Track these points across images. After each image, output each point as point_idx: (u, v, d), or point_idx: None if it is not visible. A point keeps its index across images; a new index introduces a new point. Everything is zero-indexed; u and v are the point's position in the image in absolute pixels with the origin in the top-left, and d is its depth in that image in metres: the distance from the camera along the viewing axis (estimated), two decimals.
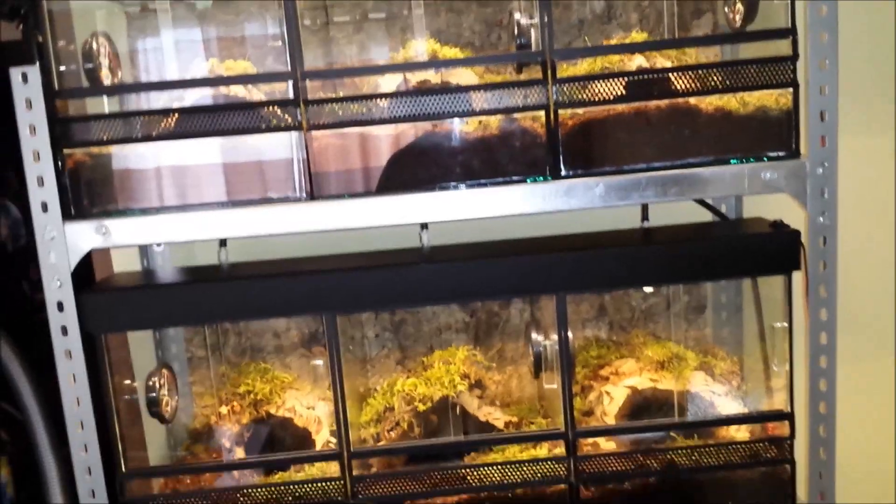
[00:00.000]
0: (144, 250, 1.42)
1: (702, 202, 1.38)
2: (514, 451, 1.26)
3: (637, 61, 1.19)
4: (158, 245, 1.40)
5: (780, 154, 1.14)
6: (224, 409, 1.36)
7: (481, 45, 1.38)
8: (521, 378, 1.50)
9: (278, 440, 1.33)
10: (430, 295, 1.18)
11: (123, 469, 1.18)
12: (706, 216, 1.42)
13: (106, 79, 1.17)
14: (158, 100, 1.14)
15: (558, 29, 1.35)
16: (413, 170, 1.14)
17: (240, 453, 1.32)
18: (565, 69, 1.13)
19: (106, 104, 1.16)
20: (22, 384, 1.43)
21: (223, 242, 1.28)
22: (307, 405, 1.38)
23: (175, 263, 1.44)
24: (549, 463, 1.21)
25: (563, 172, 1.13)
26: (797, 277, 1.17)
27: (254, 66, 1.23)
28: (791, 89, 1.13)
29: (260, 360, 1.48)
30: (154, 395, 1.28)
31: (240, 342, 1.50)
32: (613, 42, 1.30)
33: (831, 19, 1.09)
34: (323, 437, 1.34)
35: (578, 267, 1.16)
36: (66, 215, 1.09)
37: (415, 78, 1.18)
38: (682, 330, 1.50)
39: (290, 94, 1.10)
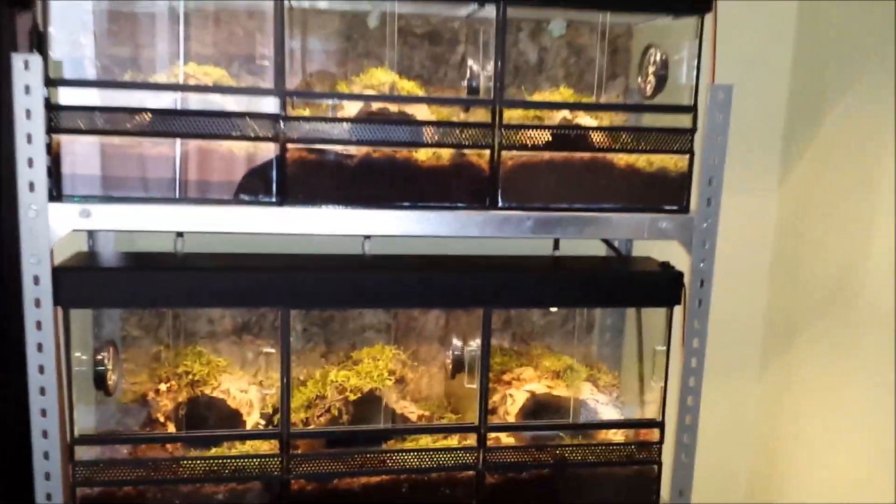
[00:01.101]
0: (91, 233, 1.49)
1: (603, 239, 1.61)
2: (426, 441, 1.44)
3: (561, 114, 1.41)
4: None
5: (674, 208, 1.38)
6: (163, 387, 1.46)
7: (429, 78, 1.56)
8: (431, 377, 1.68)
9: (212, 419, 1.44)
10: (373, 299, 1.34)
11: (75, 435, 1.26)
12: (601, 249, 1.66)
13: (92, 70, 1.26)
14: (144, 98, 1.24)
15: None
16: (371, 187, 1.29)
17: (172, 428, 1.43)
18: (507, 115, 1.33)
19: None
20: None
21: (180, 234, 1.39)
22: (241, 389, 1.50)
23: (117, 247, 1.52)
24: (461, 452, 1.39)
25: (500, 204, 1.32)
26: (677, 310, 1.42)
27: (226, 72, 1.36)
28: (688, 156, 1.37)
29: (193, 343, 1.58)
30: (102, 368, 1.37)
31: (175, 325, 1.59)
32: (546, 94, 1.51)
33: (726, 103, 1.34)
34: (254, 419, 1.46)
35: (505, 286, 1.36)
36: (50, 197, 1.18)
37: (375, 105, 1.35)
38: (572, 345, 1.73)
39: (274, 110, 1.24)
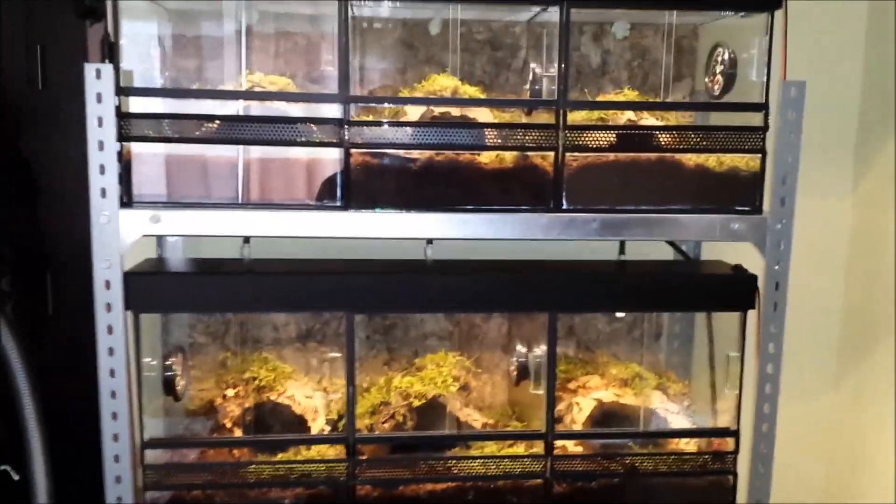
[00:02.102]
0: (159, 239, 1.52)
1: (670, 242, 1.57)
2: (493, 449, 1.42)
3: (627, 115, 1.38)
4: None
5: (746, 209, 1.34)
6: (230, 392, 1.47)
7: (490, 83, 1.55)
8: (494, 385, 1.66)
9: (277, 425, 1.45)
10: (436, 303, 1.34)
11: (144, 438, 1.28)
12: (668, 254, 1.62)
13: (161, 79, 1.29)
14: (212, 106, 1.26)
15: None
16: (434, 191, 1.29)
17: (239, 433, 1.43)
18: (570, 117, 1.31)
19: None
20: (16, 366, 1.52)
21: (247, 239, 1.41)
22: (306, 395, 1.50)
23: (185, 254, 1.54)
24: (528, 459, 1.37)
25: (565, 206, 1.30)
26: (751, 315, 1.37)
27: (290, 81, 1.37)
28: (760, 155, 1.33)
29: (259, 350, 1.59)
30: (171, 374, 1.38)
31: (241, 332, 1.61)
32: (611, 96, 1.49)
33: (799, 99, 1.30)
34: (318, 425, 1.46)
35: (570, 290, 1.34)
36: (121, 203, 1.20)
37: (438, 109, 1.34)
38: (640, 353, 1.69)
39: (338, 115, 1.24)
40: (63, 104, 1.35)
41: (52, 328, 1.44)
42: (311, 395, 1.51)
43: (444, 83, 1.39)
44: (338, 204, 1.27)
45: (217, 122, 1.23)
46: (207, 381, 1.53)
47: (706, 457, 1.42)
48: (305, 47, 1.43)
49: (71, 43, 1.30)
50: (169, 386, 1.39)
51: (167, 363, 1.39)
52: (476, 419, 1.53)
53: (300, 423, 1.45)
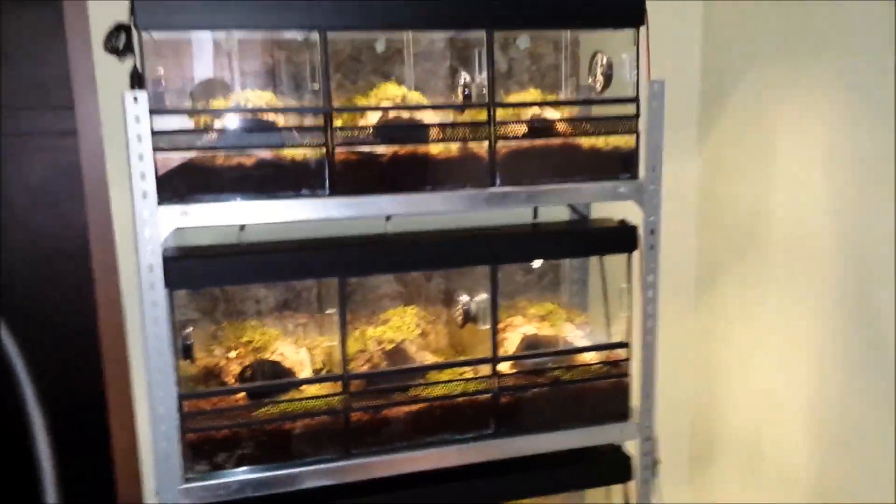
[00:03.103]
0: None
1: (571, 206, 2.03)
2: (450, 377, 1.81)
3: (532, 111, 1.80)
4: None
5: (628, 176, 1.79)
6: (232, 354, 1.79)
7: (423, 87, 1.93)
8: (438, 333, 2.06)
9: (273, 377, 1.78)
10: (407, 264, 1.72)
11: (181, 390, 1.59)
12: (566, 214, 2.07)
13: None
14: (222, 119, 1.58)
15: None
16: (399, 177, 1.66)
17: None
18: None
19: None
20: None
21: (242, 227, 1.73)
22: (293, 352, 1.84)
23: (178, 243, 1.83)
24: (479, 381, 1.78)
25: (498, 184, 1.71)
26: (634, 256, 1.84)
27: (273, 94, 1.70)
28: (635, 136, 1.79)
29: (244, 320, 1.91)
30: (189, 342, 1.69)
31: (227, 307, 1.92)
32: (520, 95, 1.90)
33: (661, 93, 1.75)
34: (306, 374, 1.81)
35: (505, 247, 1.75)
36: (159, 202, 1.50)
37: (391, 113, 1.71)
38: (548, 297, 2.13)
39: (322, 123, 1.59)
40: None
41: None
42: (297, 351, 1.85)
43: (394, 91, 1.77)
44: (326, 192, 1.61)
45: (224, 132, 1.54)
46: (210, 349, 1.83)
47: (608, 366, 1.88)
48: (283, 65, 1.75)
49: None
50: (187, 351, 1.69)
51: (185, 332, 1.69)
52: (430, 359, 1.93)
53: (291, 374, 1.79)
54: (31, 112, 1.96)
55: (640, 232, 1.81)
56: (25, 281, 2.00)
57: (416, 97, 1.77)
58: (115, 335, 1.94)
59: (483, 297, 1.84)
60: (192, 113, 1.58)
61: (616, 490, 2.00)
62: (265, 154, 1.59)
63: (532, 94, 1.89)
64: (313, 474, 1.64)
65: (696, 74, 2.23)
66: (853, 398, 1.76)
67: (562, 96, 1.97)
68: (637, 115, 1.78)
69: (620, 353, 1.89)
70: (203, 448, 1.60)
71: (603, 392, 1.88)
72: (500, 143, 1.70)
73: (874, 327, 1.68)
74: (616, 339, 1.92)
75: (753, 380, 2.10)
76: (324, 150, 1.60)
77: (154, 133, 1.48)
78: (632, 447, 1.91)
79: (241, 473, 1.61)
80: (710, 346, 2.28)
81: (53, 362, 2.02)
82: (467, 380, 1.78)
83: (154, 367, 1.53)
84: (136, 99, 1.45)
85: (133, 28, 1.50)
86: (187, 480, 1.57)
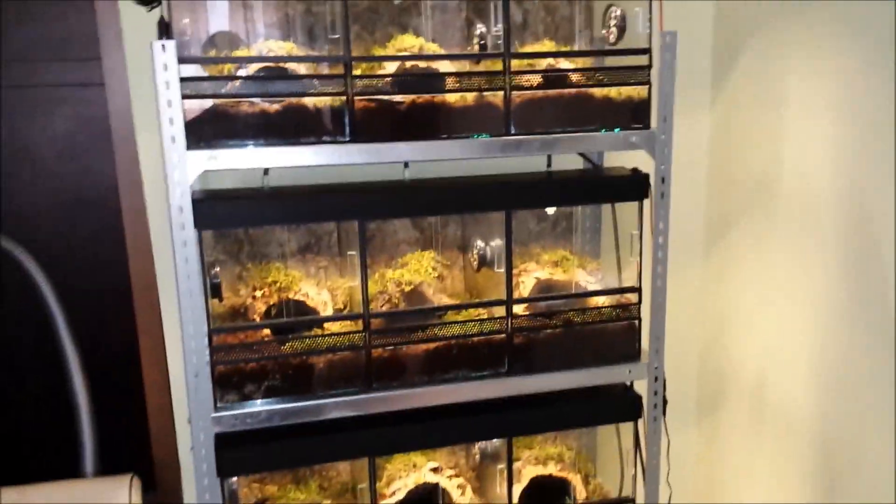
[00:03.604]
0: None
1: (583, 156, 2.08)
2: (465, 318, 1.89)
3: (547, 61, 1.85)
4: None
5: (640, 126, 1.84)
6: (258, 293, 1.88)
7: (440, 39, 1.97)
8: (453, 277, 2.14)
9: (297, 315, 1.86)
10: (425, 208, 1.80)
11: (211, 325, 1.68)
12: (580, 165, 2.13)
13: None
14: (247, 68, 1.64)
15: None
16: (417, 125, 1.72)
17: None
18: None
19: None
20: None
21: (266, 171, 1.80)
22: (316, 293, 1.93)
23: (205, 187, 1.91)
24: (494, 321, 1.86)
25: (513, 132, 1.77)
26: (645, 203, 1.90)
27: (294, 45, 1.76)
28: (647, 87, 1.83)
29: (266, 263, 1.99)
30: (217, 280, 1.78)
31: (251, 250, 2.00)
32: (535, 46, 1.95)
33: (672, 45, 1.80)
34: (329, 313, 1.89)
35: (520, 193, 1.82)
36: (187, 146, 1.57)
37: (408, 63, 1.76)
38: (562, 244, 2.20)
39: (342, 72, 1.65)
40: None
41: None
42: (319, 292, 1.94)
43: (411, 42, 1.82)
44: (347, 139, 1.68)
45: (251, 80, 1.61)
46: (235, 288, 1.92)
47: (618, 310, 1.95)
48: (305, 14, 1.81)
49: None
50: (216, 290, 1.78)
51: (213, 272, 1.78)
52: (447, 301, 2.01)
53: (315, 312, 1.87)
54: (59, 64, 2.04)
55: (652, 180, 1.87)
56: (56, 226, 2.11)
57: (433, 48, 1.82)
58: (145, 277, 2.03)
59: (497, 242, 1.91)
60: (217, 62, 1.64)
61: (626, 430, 2.09)
62: (287, 102, 1.65)
63: (546, 46, 1.94)
64: (337, 406, 1.73)
65: (709, 32, 2.26)
66: (856, 348, 1.82)
67: (576, 48, 2.02)
68: (649, 66, 1.82)
69: (631, 297, 1.96)
70: (232, 380, 1.69)
71: (613, 334, 1.95)
72: (515, 93, 1.76)
73: (878, 280, 1.74)
74: (627, 284, 1.99)
75: (760, 328, 2.17)
76: (344, 98, 1.66)
77: (181, 80, 1.55)
78: (641, 389, 1.99)
79: (269, 403, 1.70)
80: (719, 294, 2.35)
81: (87, 306, 2.13)
82: (482, 320, 1.86)
83: (185, 303, 1.62)
84: (163, 47, 1.52)
85: None
86: (218, 409, 1.67)
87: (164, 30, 1.58)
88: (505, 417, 1.87)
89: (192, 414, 1.65)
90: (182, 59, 1.55)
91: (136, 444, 2.14)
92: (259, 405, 1.70)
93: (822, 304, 1.91)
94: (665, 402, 1.97)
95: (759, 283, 2.16)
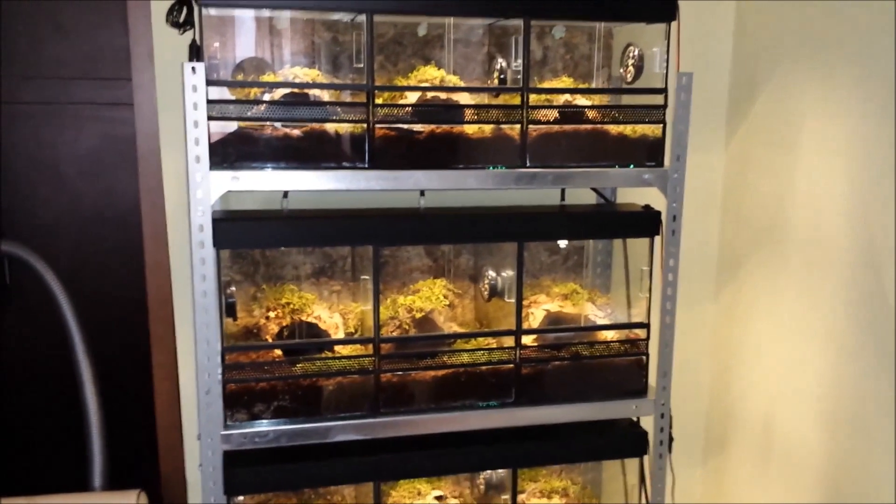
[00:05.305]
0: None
1: (596, 191, 2.11)
2: (475, 346, 1.91)
3: (564, 97, 1.89)
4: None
5: (653, 164, 1.87)
6: (272, 314, 1.90)
7: (461, 72, 2.02)
8: (465, 307, 2.16)
9: (309, 337, 1.88)
10: (437, 237, 1.82)
11: (225, 344, 1.70)
12: (594, 200, 2.15)
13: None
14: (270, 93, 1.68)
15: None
16: (435, 155, 1.76)
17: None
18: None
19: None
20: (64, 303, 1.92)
21: (285, 194, 1.84)
22: (328, 316, 1.95)
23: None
24: (503, 351, 1.87)
25: (529, 164, 1.80)
26: (657, 240, 1.92)
27: (321, 73, 1.80)
28: (662, 125, 1.86)
29: (282, 283, 2.02)
30: (232, 300, 1.81)
31: (267, 271, 2.03)
32: (553, 83, 1.99)
33: (688, 85, 1.83)
34: (340, 336, 1.91)
35: (533, 225, 1.85)
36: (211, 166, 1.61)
37: (429, 94, 1.80)
38: (572, 278, 2.22)
39: (364, 100, 1.69)
40: None
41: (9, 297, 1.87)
42: (331, 315, 1.96)
43: (432, 73, 1.86)
44: (366, 165, 1.72)
45: (266, 104, 1.65)
46: (249, 308, 1.95)
47: (627, 345, 1.97)
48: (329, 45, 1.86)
49: None
50: (231, 309, 1.81)
51: (228, 291, 1.81)
52: (457, 329, 2.03)
53: (326, 335, 1.90)
54: (88, 82, 2.10)
55: (663, 218, 1.89)
56: (77, 240, 2.15)
57: (453, 80, 1.86)
58: (161, 293, 2.07)
59: (509, 273, 1.94)
60: (244, 86, 1.69)
61: (631, 466, 2.09)
62: (310, 127, 1.69)
63: (564, 82, 1.98)
64: (344, 429, 1.75)
65: (726, 71, 2.30)
66: (864, 389, 1.83)
67: (593, 85, 2.06)
68: (665, 106, 1.86)
69: (639, 332, 1.97)
70: (242, 398, 1.71)
71: (621, 369, 1.96)
72: (532, 127, 1.79)
73: (887, 321, 1.75)
74: (636, 320, 2.00)
75: (768, 366, 2.17)
76: (365, 125, 1.70)
77: (208, 102, 1.59)
78: (647, 425, 2.00)
79: (277, 424, 1.72)
80: (729, 333, 2.36)
81: (103, 319, 2.16)
82: (491, 349, 1.88)
83: (200, 320, 1.65)
84: (194, 69, 1.57)
85: (194, 3, 1.61)
86: (227, 427, 1.69)
87: (195, 52, 1.63)
88: (511, 448, 1.88)
89: (202, 431, 1.67)
90: (210, 82, 1.60)
91: (144, 458, 2.16)
92: (267, 425, 1.72)
93: (831, 344, 1.92)
94: (671, 439, 1.97)
95: (768, 321, 2.17)
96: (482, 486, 2.10)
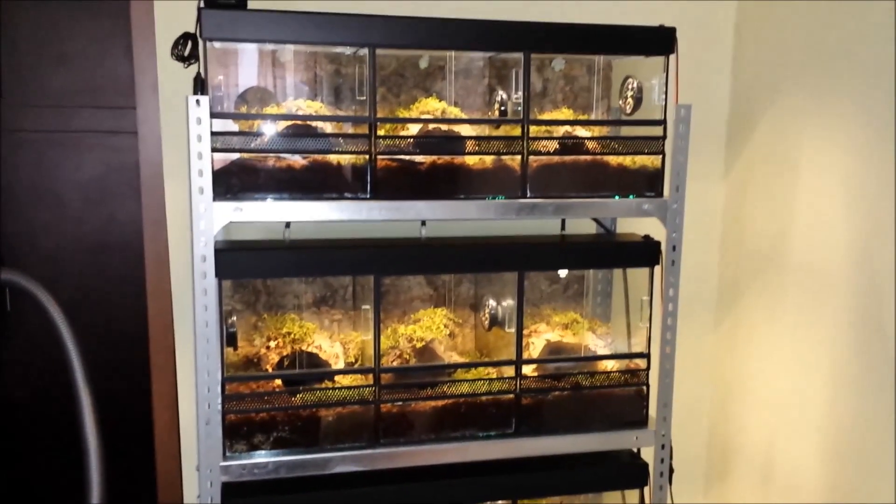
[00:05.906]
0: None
1: (596, 221, 2.12)
2: (475, 376, 1.91)
3: (564, 129, 1.90)
4: None
5: (653, 194, 1.89)
6: (272, 344, 1.91)
7: (462, 103, 2.04)
8: (465, 336, 2.16)
9: (309, 367, 1.89)
10: (437, 266, 1.83)
11: (225, 374, 1.70)
12: (592, 229, 2.17)
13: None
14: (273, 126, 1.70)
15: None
16: (436, 186, 1.77)
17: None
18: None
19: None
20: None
21: (288, 224, 1.85)
22: (329, 345, 1.95)
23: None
24: (503, 381, 1.87)
25: (529, 195, 1.81)
26: (656, 270, 1.93)
27: (324, 105, 1.82)
28: (661, 156, 1.88)
29: (283, 313, 2.02)
30: (233, 330, 1.81)
31: (268, 301, 2.04)
32: (553, 114, 2.01)
33: (687, 117, 1.85)
34: (340, 366, 1.92)
35: (533, 255, 1.86)
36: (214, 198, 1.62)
37: (430, 126, 1.82)
38: (572, 307, 2.22)
39: (366, 131, 1.71)
40: None
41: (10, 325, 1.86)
42: (332, 345, 1.96)
43: (434, 105, 1.88)
44: (368, 196, 1.73)
45: (276, 136, 1.67)
46: (251, 338, 1.95)
47: (627, 375, 1.97)
48: (332, 77, 1.88)
49: None
50: (231, 338, 1.81)
51: (230, 321, 1.81)
52: (457, 359, 2.03)
53: (326, 365, 1.90)
54: (91, 111, 2.12)
55: (663, 248, 1.90)
56: (79, 268, 2.15)
57: (454, 112, 1.88)
58: (162, 321, 2.07)
59: (509, 303, 1.94)
60: (248, 118, 1.71)
61: (632, 497, 2.08)
62: (313, 158, 1.70)
63: (564, 114, 2.00)
64: (343, 460, 1.74)
65: (725, 102, 2.32)
66: (864, 419, 1.83)
67: (593, 117, 2.08)
68: (664, 137, 1.88)
69: (640, 363, 1.97)
70: (242, 429, 1.71)
71: (622, 399, 1.96)
72: (532, 158, 1.81)
73: (886, 351, 1.75)
74: (636, 350, 2.00)
75: (769, 397, 2.17)
76: (367, 157, 1.72)
77: (212, 134, 1.61)
78: (648, 456, 1.99)
79: (277, 455, 1.72)
80: (729, 362, 2.36)
81: (104, 346, 2.16)
82: (492, 380, 1.88)
83: (201, 350, 1.65)
84: (198, 102, 1.58)
85: (198, 38, 1.64)
86: (227, 458, 1.69)
87: (200, 85, 1.64)
88: (511, 479, 1.88)
89: (201, 462, 1.66)
90: (215, 114, 1.62)
91: (143, 488, 2.15)
92: (266, 456, 1.72)
93: (831, 373, 1.92)
94: (672, 470, 1.97)
95: (768, 351, 2.17)
96: None
